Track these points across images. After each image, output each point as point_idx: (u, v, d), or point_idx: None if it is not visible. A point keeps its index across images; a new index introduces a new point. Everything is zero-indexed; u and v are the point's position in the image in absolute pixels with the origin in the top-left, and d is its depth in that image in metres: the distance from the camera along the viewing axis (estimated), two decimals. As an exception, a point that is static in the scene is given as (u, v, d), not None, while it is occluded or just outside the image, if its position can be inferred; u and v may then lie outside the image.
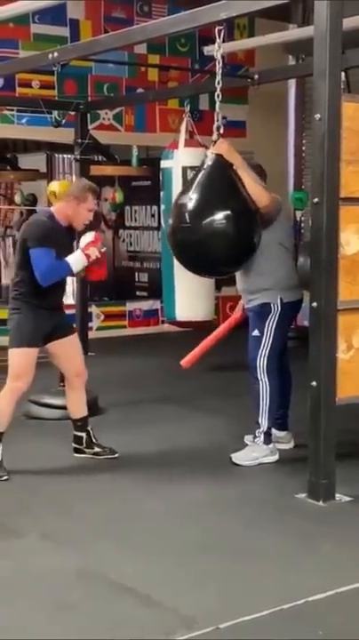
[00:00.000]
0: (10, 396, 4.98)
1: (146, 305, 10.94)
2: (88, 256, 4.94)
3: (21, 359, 4.96)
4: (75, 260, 4.94)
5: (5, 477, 4.91)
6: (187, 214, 5.00)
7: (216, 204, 4.96)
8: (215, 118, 5.05)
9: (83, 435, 5.31)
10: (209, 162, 5.06)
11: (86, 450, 5.32)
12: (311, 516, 4.35)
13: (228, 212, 4.91)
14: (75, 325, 5.34)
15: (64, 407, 6.19)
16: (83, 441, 5.31)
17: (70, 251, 5.05)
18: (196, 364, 7.22)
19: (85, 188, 5.07)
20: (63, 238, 5.03)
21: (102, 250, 5.01)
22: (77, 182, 5.11)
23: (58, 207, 5.12)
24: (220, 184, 5.02)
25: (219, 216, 4.91)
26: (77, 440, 5.34)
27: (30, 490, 4.79)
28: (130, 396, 6.85)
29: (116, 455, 5.30)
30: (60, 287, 5.16)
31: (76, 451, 5.34)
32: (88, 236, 5.01)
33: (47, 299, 5.02)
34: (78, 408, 5.31)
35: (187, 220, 4.99)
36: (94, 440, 5.34)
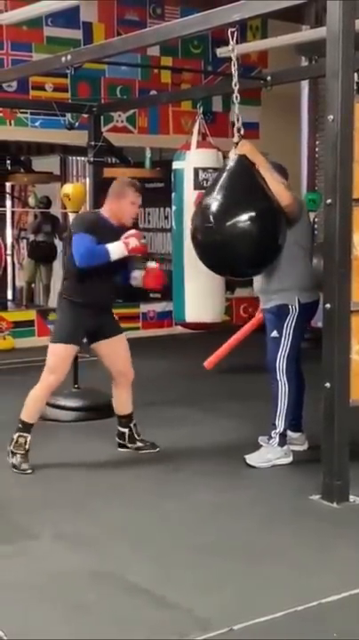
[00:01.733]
0: (41, 387, 5.13)
1: (159, 307, 10.94)
2: (127, 244, 5.01)
3: (56, 355, 5.11)
4: (115, 247, 5.01)
5: (30, 471, 5.01)
6: (211, 215, 4.97)
7: (241, 205, 4.93)
8: (235, 120, 5.05)
9: (126, 431, 5.44)
10: (232, 163, 5.06)
11: (129, 445, 5.46)
12: (325, 518, 4.34)
13: (254, 213, 4.88)
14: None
15: (78, 409, 6.23)
16: (126, 436, 5.44)
17: None
18: (213, 371, 7.24)
19: (125, 183, 5.24)
20: (110, 233, 5.10)
21: (143, 241, 5.10)
22: (117, 181, 5.28)
23: (105, 207, 5.27)
24: (245, 184, 4.99)
25: (245, 216, 4.87)
26: (120, 436, 5.48)
27: (45, 490, 4.81)
28: (144, 397, 6.82)
29: (158, 449, 5.44)
30: (107, 286, 5.21)
31: (120, 445, 5.48)
32: (129, 232, 5.12)
33: (92, 296, 5.10)
34: (123, 405, 5.45)
35: (212, 221, 4.98)
36: (137, 436, 5.46)
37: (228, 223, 4.89)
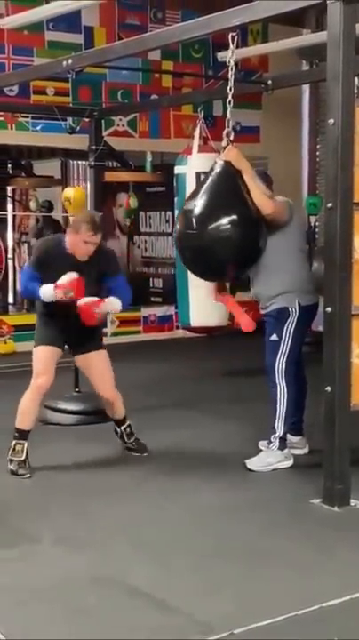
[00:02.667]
0: (30, 393, 5.14)
1: (160, 311, 10.95)
2: (56, 293, 5.01)
3: (37, 357, 5.16)
4: (46, 291, 5.03)
5: (27, 476, 5.02)
6: (193, 220, 5.02)
7: (222, 211, 4.96)
8: (226, 124, 5.06)
9: (119, 430, 5.52)
10: (217, 168, 5.07)
11: (120, 442, 5.53)
12: (326, 522, 4.34)
13: (234, 218, 4.92)
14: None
15: (79, 412, 6.22)
16: (119, 435, 5.53)
17: (71, 269, 5.07)
18: (214, 374, 7.21)
19: (82, 219, 5.13)
20: (64, 262, 5.07)
21: (69, 295, 4.99)
22: (78, 214, 5.25)
23: (67, 235, 5.21)
24: (227, 191, 5.03)
25: (225, 222, 4.92)
26: (115, 432, 5.55)
27: (46, 494, 4.81)
28: (144, 401, 6.85)
29: (146, 454, 5.47)
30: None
31: (115, 432, 5.56)
32: (65, 277, 5.02)
33: (56, 308, 5.11)
34: (114, 413, 5.48)
35: (194, 226, 5.01)
36: (127, 438, 5.51)
37: (209, 228, 4.93)
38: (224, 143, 5.06)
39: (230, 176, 5.02)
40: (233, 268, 5.17)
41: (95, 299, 5.09)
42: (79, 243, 5.06)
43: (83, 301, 5.05)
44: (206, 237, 4.95)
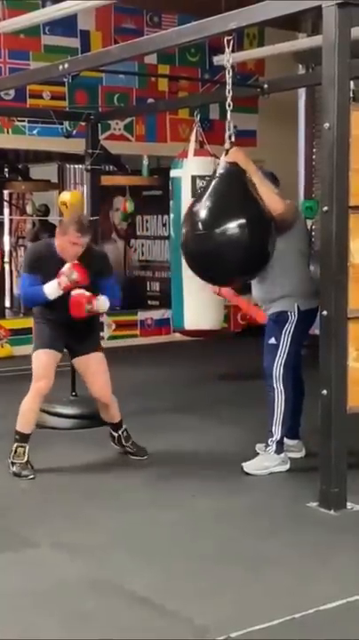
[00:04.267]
0: (30, 396, 5.18)
1: (157, 314, 10.95)
2: (59, 284, 5.06)
3: (37, 361, 5.18)
4: (50, 287, 5.08)
5: (31, 477, 5.06)
6: (200, 222, 4.99)
7: (230, 212, 4.94)
8: (226, 127, 5.06)
9: (116, 435, 5.52)
10: (221, 170, 5.06)
11: (116, 445, 5.54)
12: (322, 525, 4.34)
13: (243, 220, 4.89)
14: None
15: (75, 417, 6.22)
16: (116, 439, 5.52)
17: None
18: (211, 378, 7.21)
19: (69, 221, 5.20)
20: (56, 265, 5.11)
21: (73, 277, 5.04)
22: (67, 217, 5.29)
23: (56, 238, 5.25)
24: (235, 192, 5.01)
25: (234, 224, 4.88)
26: (111, 438, 5.56)
27: (44, 498, 4.81)
28: (141, 405, 6.84)
29: (146, 457, 5.47)
30: (62, 306, 5.16)
31: (112, 439, 5.57)
32: (66, 266, 5.09)
33: (55, 312, 5.15)
34: (109, 417, 5.49)
35: (201, 228, 4.99)
36: (124, 441, 5.51)
37: (217, 230, 4.90)
38: (227, 145, 5.06)
39: (236, 177, 5.01)
40: (241, 271, 5.15)
41: (89, 293, 5.13)
42: (67, 244, 5.10)
43: (78, 292, 5.10)
44: (214, 240, 4.90)
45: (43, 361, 5.15)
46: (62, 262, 5.12)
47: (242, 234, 4.89)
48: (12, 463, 5.13)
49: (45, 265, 5.14)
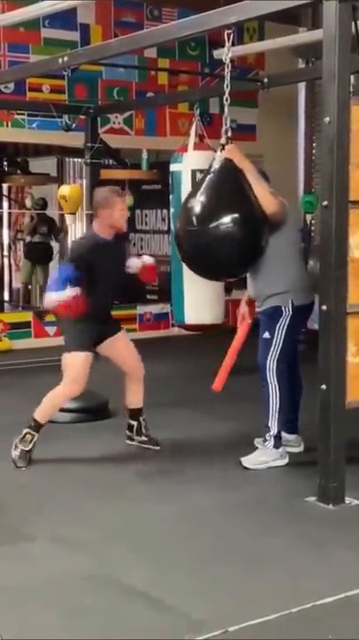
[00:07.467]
0: (63, 395, 5.26)
1: (156, 308, 10.94)
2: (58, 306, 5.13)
3: (78, 364, 5.19)
4: (55, 294, 5.08)
5: (24, 469, 5.07)
6: (194, 217, 5.00)
7: (224, 208, 4.96)
8: (223, 122, 5.06)
9: (135, 423, 5.56)
10: (217, 165, 5.07)
11: (135, 437, 5.56)
12: (321, 520, 4.34)
13: (236, 216, 4.92)
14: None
15: (75, 411, 6.22)
16: (134, 429, 5.55)
17: (117, 259, 5.37)
18: (210, 373, 7.18)
19: (108, 193, 5.32)
20: (105, 252, 5.21)
21: (68, 292, 5.06)
22: (99, 192, 5.32)
23: (96, 224, 5.32)
24: (229, 188, 5.02)
25: (227, 219, 4.91)
26: (129, 428, 5.59)
27: (42, 492, 4.81)
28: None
29: (158, 447, 5.52)
30: (105, 301, 5.33)
31: (128, 437, 5.60)
32: (68, 291, 5.04)
33: (91, 314, 5.13)
34: (134, 399, 5.57)
35: (195, 224, 5.00)
36: (144, 430, 5.55)
37: (211, 226, 4.92)
38: (223, 140, 5.06)
39: (231, 173, 5.01)
40: (234, 266, 5.16)
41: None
42: (117, 213, 5.21)
43: (147, 258, 5.56)
44: (208, 235, 4.94)
45: (83, 365, 5.18)
46: (109, 247, 5.23)
47: (234, 229, 4.92)
48: (15, 446, 5.14)
49: (96, 255, 5.13)
